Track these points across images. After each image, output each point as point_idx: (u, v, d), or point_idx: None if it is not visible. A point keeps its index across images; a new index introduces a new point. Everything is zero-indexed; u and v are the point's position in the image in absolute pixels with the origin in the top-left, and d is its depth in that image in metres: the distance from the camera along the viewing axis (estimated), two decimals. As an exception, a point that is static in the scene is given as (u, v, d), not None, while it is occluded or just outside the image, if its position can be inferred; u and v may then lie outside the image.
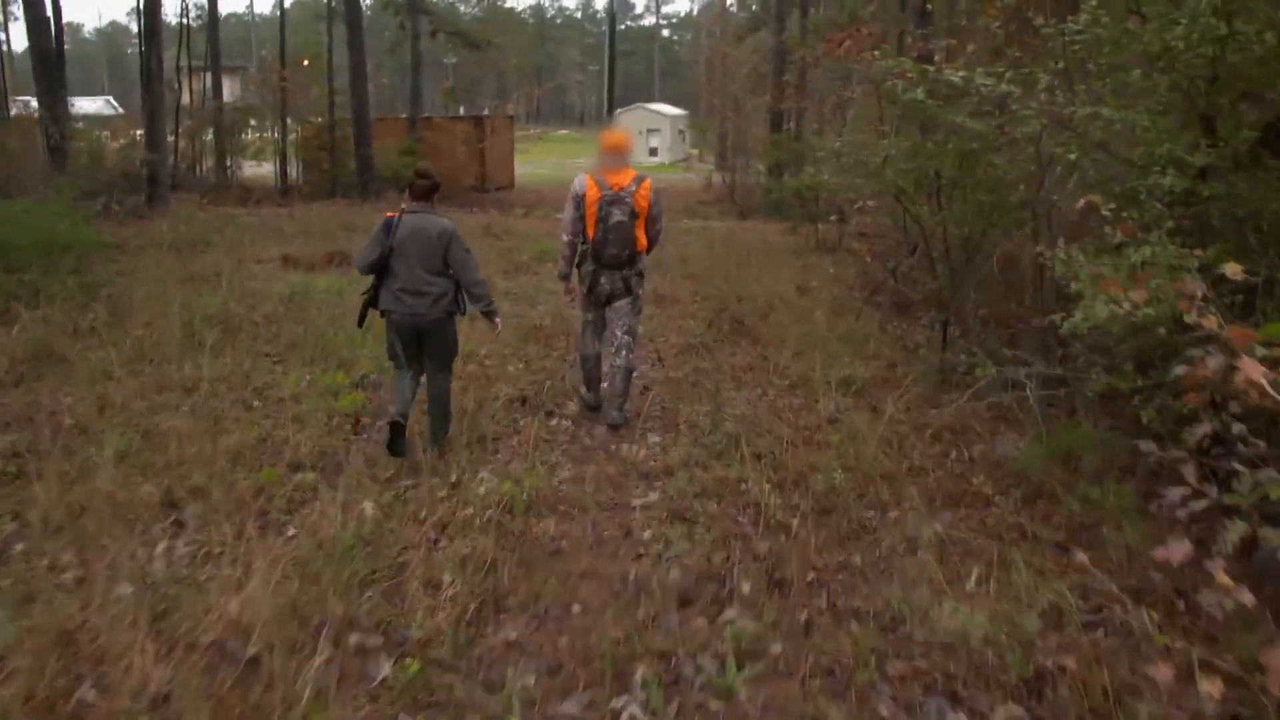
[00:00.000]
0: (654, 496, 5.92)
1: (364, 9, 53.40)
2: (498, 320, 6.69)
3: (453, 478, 6.19)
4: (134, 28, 55.02)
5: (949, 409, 7.34)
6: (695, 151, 54.77)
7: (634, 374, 7.61)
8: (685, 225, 23.24)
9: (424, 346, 6.44)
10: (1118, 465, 5.65)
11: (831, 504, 5.69)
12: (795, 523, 5.41)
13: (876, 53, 7.77)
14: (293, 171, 31.84)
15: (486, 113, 35.41)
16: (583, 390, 7.65)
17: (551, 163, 51.09)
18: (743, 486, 5.93)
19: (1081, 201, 4.68)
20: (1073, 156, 6.82)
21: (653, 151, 56.69)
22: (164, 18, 23.87)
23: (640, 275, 7.08)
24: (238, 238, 18.27)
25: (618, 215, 6.71)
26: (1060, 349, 6.70)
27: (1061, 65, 7.08)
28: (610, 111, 33.40)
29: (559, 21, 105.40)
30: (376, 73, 76.94)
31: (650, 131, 57.41)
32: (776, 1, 27.80)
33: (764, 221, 23.75)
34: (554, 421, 7.48)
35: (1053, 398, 6.84)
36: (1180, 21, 5.37)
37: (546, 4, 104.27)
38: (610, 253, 6.80)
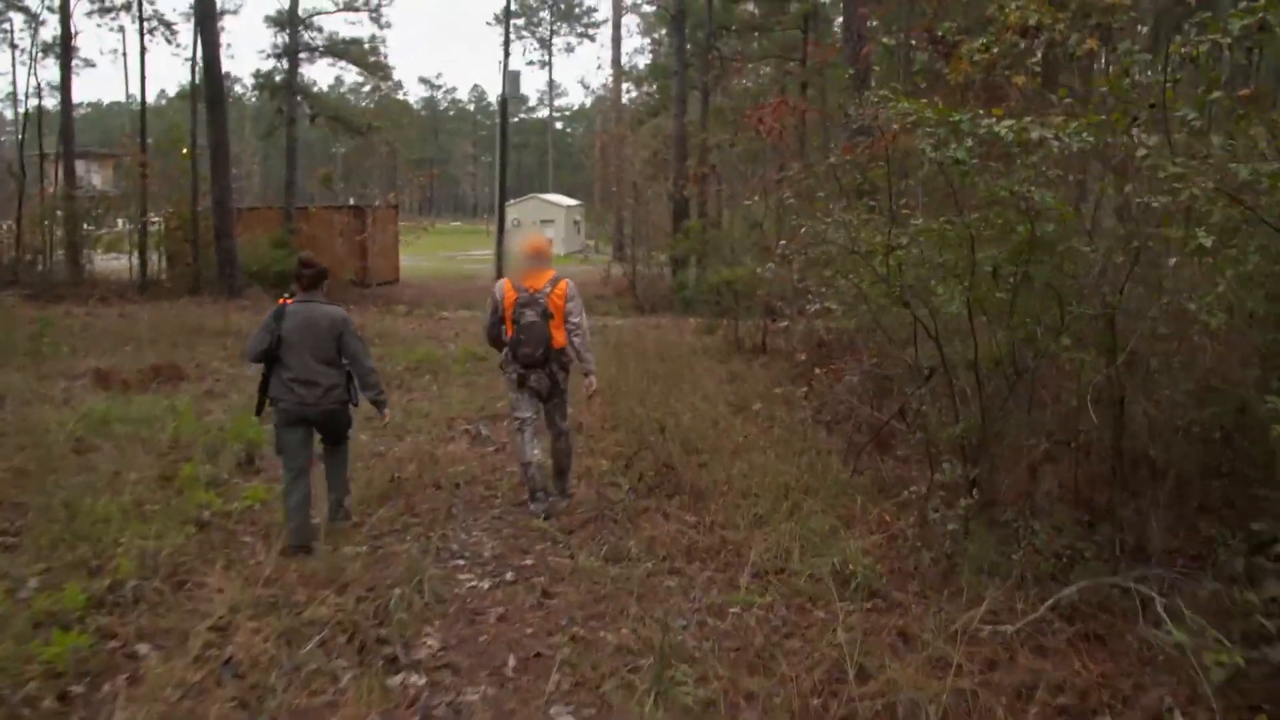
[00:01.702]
0: None
1: (243, 93, 50.18)
2: (387, 411, 6.87)
3: None
4: (8, 114, 50.64)
5: (1018, 630, 4.60)
6: (591, 242, 52.42)
7: (571, 457, 7.41)
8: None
9: (319, 432, 6.29)
10: None
11: None
12: None
13: (883, 92, 5.15)
14: (158, 264, 28.37)
15: (377, 203, 32.32)
16: (532, 506, 7.02)
17: (441, 255, 48.12)
18: None
19: None
20: (1204, 240, 4.23)
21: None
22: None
23: (565, 370, 7.01)
24: (55, 345, 14.88)
25: (530, 315, 6.75)
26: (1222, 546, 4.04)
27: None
28: (502, 202, 30.65)
29: (451, 113, 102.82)
30: (257, 161, 73.41)
31: (544, 223, 54.80)
32: (677, 84, 25.59)
33: (671, 318, 21.13)
34: (399, 678, 4.46)
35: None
36: None
37: (439, 96, 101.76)
38: (524, 351, 6.77)
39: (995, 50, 8.88)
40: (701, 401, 10.49)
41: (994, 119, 4.88)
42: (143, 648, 4.72)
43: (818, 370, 9.53)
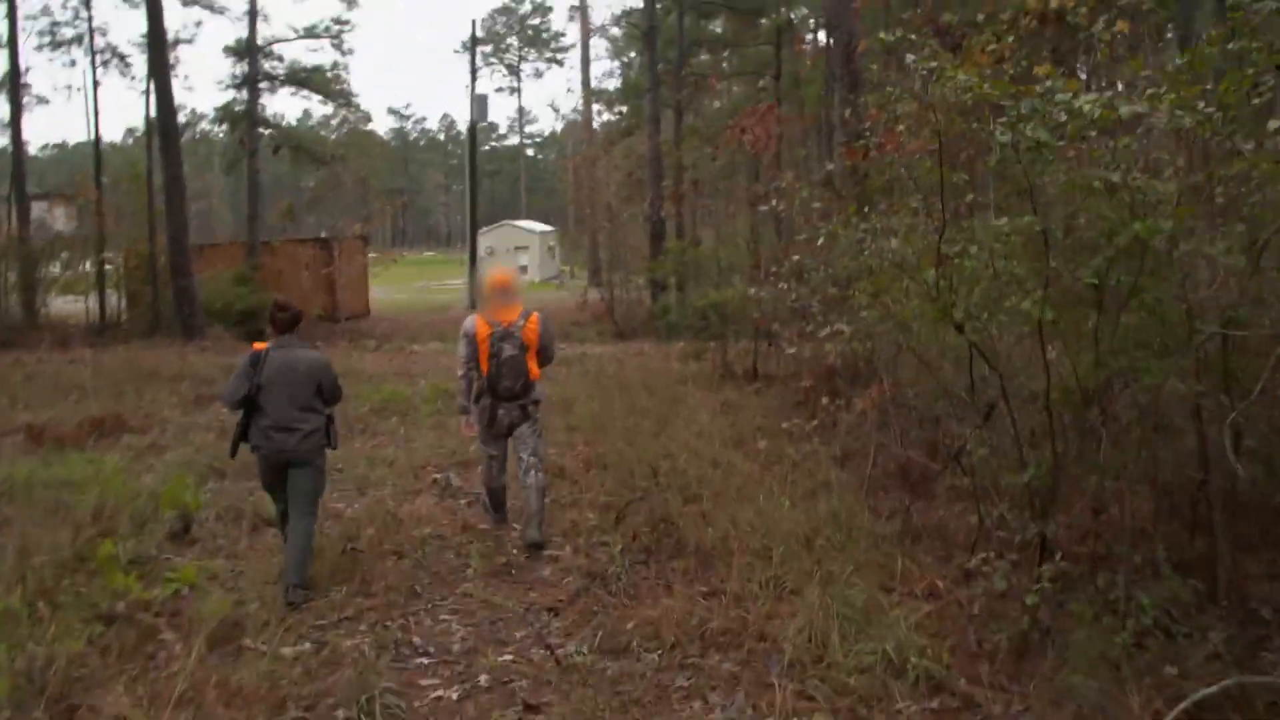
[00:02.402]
0: None
1: (210, 129, 48.84)
2: None
3: None
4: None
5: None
6: (566, 268, 51.44)
7: (546, 492, 7.07)
8: (562, 353, 19.30)
9: (290, 483, 5.93)
10: None
11: None
12: None
13: (934, 64, 4.12)
14: (118, 305, 27.06)
15: (348, 235, 31.05)
16: (489, 516, 7.33)
17: (415, 286, 46.95)
18: None
19: None
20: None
21: (522, 269, 52.99)
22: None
23: (536, 403, 6.97)
24: (-8, 397, 13.67)
25: (509, 350, 6.71)
26: None
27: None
28: (473, 230, 29.60)
29: (422, 143, 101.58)
30: (225, 198, 71.90)
31: (518, 249, 53.83)
32: (650, 102, 24.63)
33: (652, 344, 20.07)
34: None
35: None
36: None
37: (409, 126, 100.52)
38: (504, 385, 6.74)
39: (1010, 40, 7.93)
40: (696, 438, 9.43)
41: (1070, 94, 3.85)
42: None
43: (826, 400, 8.46)
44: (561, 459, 9.32)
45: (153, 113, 24.07)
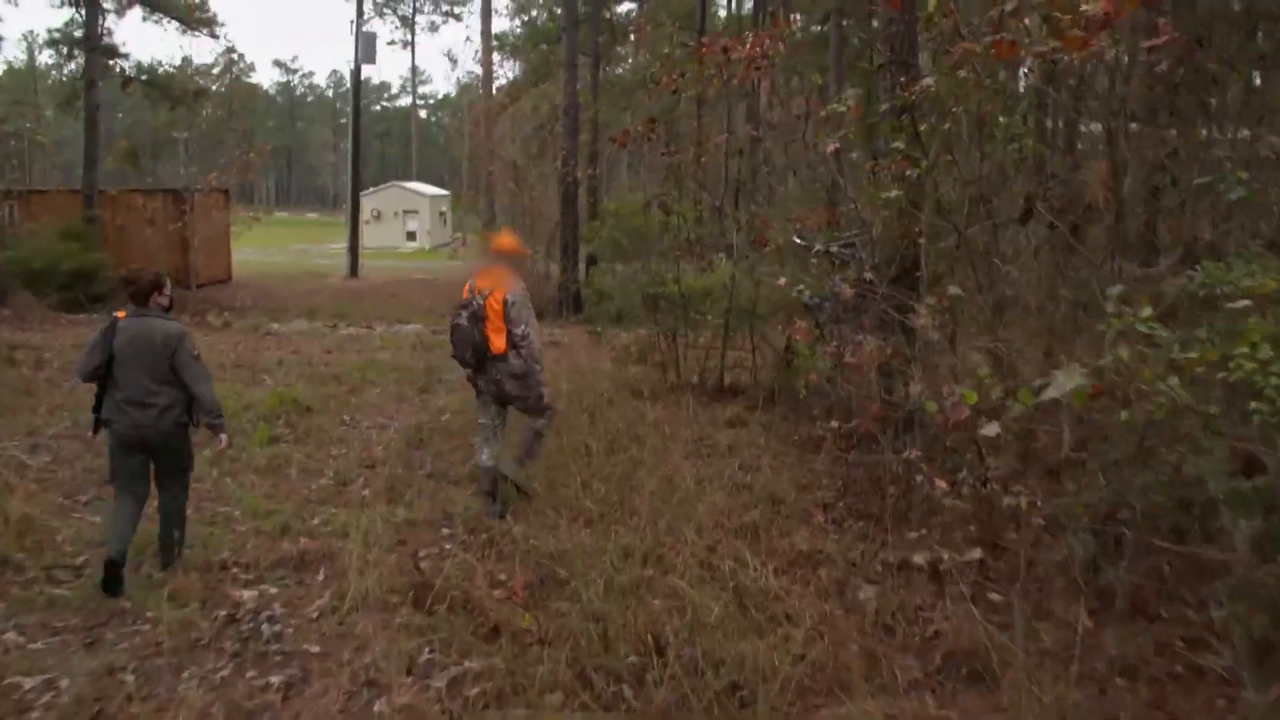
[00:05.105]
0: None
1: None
2: (224, 436, 5.52)
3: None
4: None
5: None
6: (459, 235, 46.66)
7: (543, 437, 6.66)
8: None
9: (154, 462, 5.34)
10: None
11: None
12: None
13: None
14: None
15: (209, 185, 25.66)
16: (488, 511, 6.21)
17: (295, 249, 41.62)
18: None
19: None
20: None
21: (410, 236, 47.92)
22: None
23: (515, 378, 6.28)
24: None
25: (461, 318, 6.28)
26: None
27: None
28: (355, 187, 24.87)
29: (310, 99, 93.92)
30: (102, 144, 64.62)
31: (407, 213, 48.79)
32: (568, 44, 20.25)
33: (567, 328, 15.91)
34: None
35: None
36: None
37: (296, 80, 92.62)
38: (455, 354, 6.42)
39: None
40: (686, 520, 5.46)
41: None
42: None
43: (945, 484, 4.53)
44: (470, 564, 5.21)
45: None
